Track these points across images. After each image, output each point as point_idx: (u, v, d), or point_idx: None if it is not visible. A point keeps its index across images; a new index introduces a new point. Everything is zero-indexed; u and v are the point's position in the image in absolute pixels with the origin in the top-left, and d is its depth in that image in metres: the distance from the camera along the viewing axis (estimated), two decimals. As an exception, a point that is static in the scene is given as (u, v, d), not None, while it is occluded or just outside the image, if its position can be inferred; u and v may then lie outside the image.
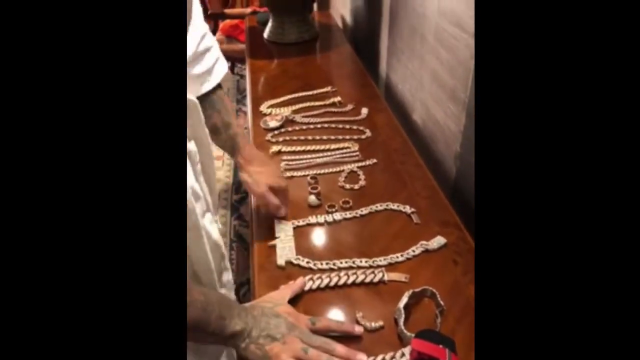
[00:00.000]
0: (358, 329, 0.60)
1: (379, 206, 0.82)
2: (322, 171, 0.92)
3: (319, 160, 0.95)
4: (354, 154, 0.97)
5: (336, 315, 0.64)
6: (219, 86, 0.80)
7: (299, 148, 0.99)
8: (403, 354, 0.57)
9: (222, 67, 0.79)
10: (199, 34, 0.73)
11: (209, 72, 0.76)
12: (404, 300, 0.62)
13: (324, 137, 1.03)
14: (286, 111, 1.14)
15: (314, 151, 0.98)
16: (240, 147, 0.75)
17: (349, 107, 1.16)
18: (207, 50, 0.76)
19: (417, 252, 0.72)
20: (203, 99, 0.75)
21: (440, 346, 0.53)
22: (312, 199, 0.83)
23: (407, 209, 0.81)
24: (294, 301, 0.65)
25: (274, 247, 0.73)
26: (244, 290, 1.66)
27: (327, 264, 0.70)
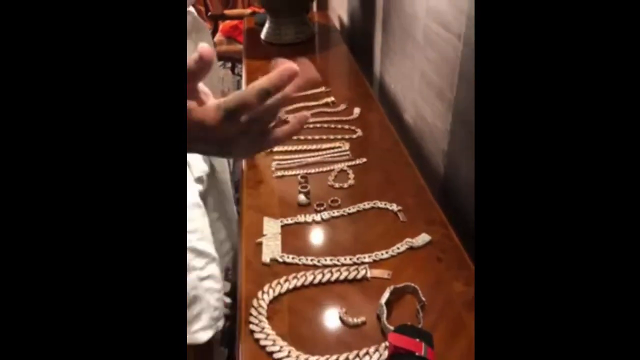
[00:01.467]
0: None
1: (367, 204, 0.83)
2: (313, 170, 0.93)
3: (309, 160, 0.97)
4: (345, 153, 0.98)
5: (320, 311, 0.65)
6: None
7: (290, 148, 1.00)
8: (386, 347, 0.58)
9: None
10: None
11: None
12: (386, 296, 0.63)
13: (316, 137, 1.04)
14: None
15: (305, 151, 1.00)
16: None
17: (342, 107, 1.17)
18: None
19: (402, 249, 0.74)
20: None
21: (417, 340, 0.54)
22: (302, 198, 0.84)
23: (394, 207, 0.82)
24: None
25: (260, 244, 0.75)
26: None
27: (312, 260, 0.71)
